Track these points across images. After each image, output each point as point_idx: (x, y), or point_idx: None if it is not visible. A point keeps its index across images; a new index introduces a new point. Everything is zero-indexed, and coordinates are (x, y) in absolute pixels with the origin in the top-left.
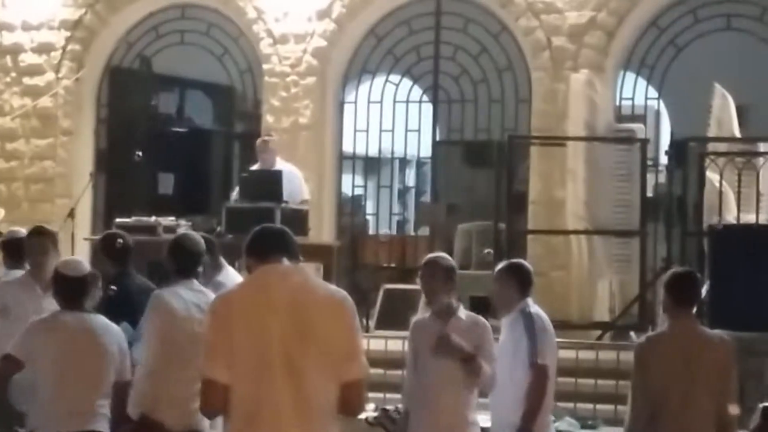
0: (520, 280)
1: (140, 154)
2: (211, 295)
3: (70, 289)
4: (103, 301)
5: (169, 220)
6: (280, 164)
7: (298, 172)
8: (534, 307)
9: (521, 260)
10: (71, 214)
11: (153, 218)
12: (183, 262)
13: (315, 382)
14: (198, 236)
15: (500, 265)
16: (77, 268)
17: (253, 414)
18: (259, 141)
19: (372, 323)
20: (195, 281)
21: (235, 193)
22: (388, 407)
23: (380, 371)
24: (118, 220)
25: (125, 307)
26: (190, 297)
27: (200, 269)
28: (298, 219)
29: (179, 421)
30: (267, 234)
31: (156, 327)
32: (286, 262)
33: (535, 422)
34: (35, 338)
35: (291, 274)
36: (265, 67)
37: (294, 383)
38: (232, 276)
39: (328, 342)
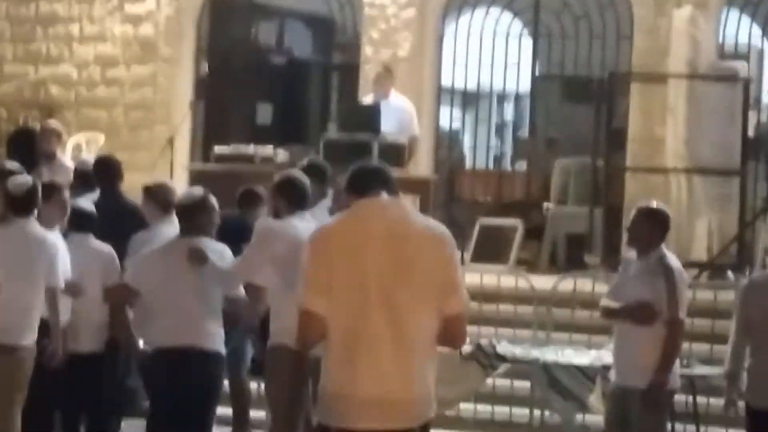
0: (660, 226)
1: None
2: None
3: (186, 216)
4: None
5: (267, 150)
6: (395, 98)
7: (410, 107)
8: (672, 258)
9: (660, 204)
10: (170, 142)
11: (251, 147)
12: (295, 197)
13: (413, 315)
14: (303, 175)
15: (640, 208)
16: (192, 195)
17: (352, 345)
18: (375, 74)
19: (468, 257)
20: (306, 213)
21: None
22: (483, 341)
23: (475, 305)
24: (216, 148)
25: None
26: (307, 227)
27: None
28: (396, 151)
29: None
30: (365, 169)
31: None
32: (384, 196)
33: (669, 375)
34: (147, 266)
35: (389, 207)
36: None
37: (392, 315)
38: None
39: (426, 275)
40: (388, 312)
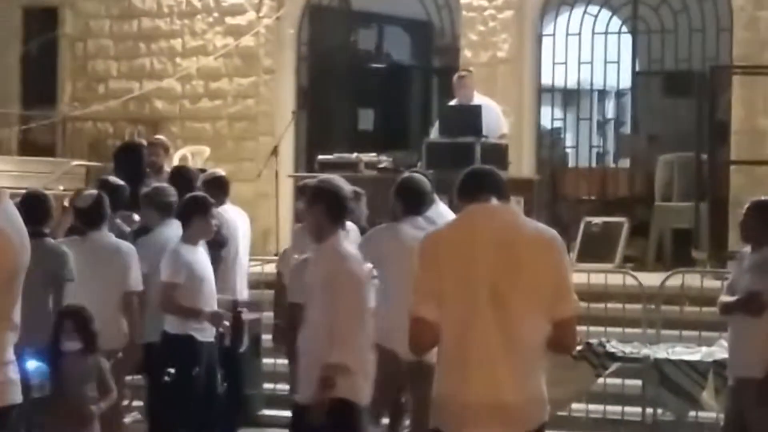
0: None
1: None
2: None
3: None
4: None
5: (370, 156)
6: (478, 99)
7: (496, 107)
8: None
9: None
10: (274, 152)
11: (354, 155)
12: (410, 201)
13: (523, 319)
14: (423, 177)
15: (752, 202)
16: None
17: (463, 351)
18: (455, 77)
19: (573, 256)
20: (420, 219)
21: (434, 129)
22: (592, 341)
23: (583, 304)
24: (320, 156)
25: None
26: (413, 233)
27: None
28: (498, 153)
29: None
30: (476, 174)
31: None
32: (494, 201)
33: None
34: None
35: (499, 212)
36: (462, 1)
37: (503, 320)
38: (440, 211)
39: (537, 280)
40: (499, 317)
